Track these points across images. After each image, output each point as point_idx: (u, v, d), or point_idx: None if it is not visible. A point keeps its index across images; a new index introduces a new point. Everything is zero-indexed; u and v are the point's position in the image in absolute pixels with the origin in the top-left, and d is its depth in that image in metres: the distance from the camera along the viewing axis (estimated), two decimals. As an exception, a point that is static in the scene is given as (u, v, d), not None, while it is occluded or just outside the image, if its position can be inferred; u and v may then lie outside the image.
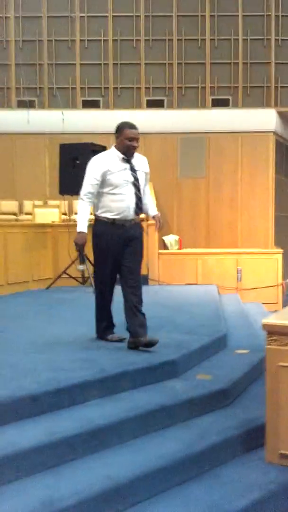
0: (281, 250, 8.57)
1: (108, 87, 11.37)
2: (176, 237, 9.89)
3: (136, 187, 3.80)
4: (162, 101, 11.33)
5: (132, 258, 3.85)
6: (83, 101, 11.45)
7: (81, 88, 11.42)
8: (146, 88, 11.35)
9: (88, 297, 6.34)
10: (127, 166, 3.79)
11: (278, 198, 11.48)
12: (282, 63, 11.22)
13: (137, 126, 3.81)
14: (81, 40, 11.32)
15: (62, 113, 10.62)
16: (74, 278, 7.57)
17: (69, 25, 11.33)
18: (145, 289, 7.78)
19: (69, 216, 10.40)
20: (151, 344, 3.71)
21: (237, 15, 11.20)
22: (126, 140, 3.74)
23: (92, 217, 3.98)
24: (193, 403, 3.27)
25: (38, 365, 3.42)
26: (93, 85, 11.44)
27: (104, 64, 11.39)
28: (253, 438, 3.09)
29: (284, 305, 8.40)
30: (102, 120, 10.49)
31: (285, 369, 2.88)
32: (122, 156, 3.78)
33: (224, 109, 11.23)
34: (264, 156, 11.11)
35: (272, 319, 3.06)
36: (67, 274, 7.47)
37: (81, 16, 11.25)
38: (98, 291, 4.05)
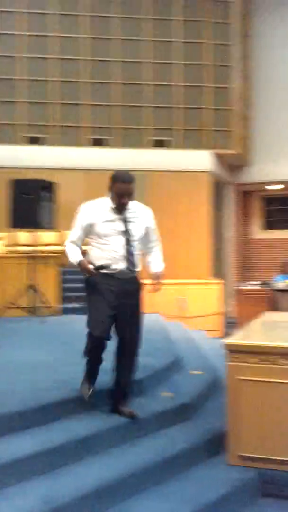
0: (221, 281, 9.20)
1: (55, 125, 11.83)
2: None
3: (126, 238, 3.56)
4: (106, 140, 11.92)
5: (128, 320, 3.59)
6: (30, 137, 11.80)
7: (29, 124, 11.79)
8: (91, 127, 11.91)
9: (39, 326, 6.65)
10: (119, 216, 3.58)
11: (214, 232, 12.24)
12: (218, 108, 12.14)
13: (131, 179, 3.65)
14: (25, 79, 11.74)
15: None
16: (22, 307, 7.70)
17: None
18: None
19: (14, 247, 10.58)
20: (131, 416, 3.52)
21: (176, 63, 12.08)
22: (116, 195, 3.56)
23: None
24: (160, 417, 3.69)
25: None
26: (38, 123, 11.85)
27: (49, 103, 11.86)
28: (215, 445, 3.54)
29: (225, 333, 9.02)
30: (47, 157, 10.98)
31: (244, 382, 3.37)
32: (113, 206, 3.59)
33: (164, 150, 11.92)
34: (201, 193, 11.86)
35: (232, 340, 3.56)
36: (15, 304, 7.59)
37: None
38: (90, 340, 3.51)
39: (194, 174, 11.80)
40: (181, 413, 3.84)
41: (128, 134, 12.03)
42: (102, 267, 3.49)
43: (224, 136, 12.21)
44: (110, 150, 11.77)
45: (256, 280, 9.80)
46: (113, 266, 3.50)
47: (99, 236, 3.55)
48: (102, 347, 3.50)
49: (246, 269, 14.90)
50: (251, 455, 3.34)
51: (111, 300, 3.46)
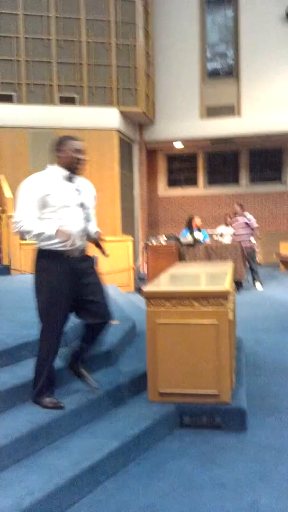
0: (131, 238, 9.50)
1: None
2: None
3: (84, 210, 3.33)
4: (11, 96, 11.57)
5: (97, 289, 3.42)
6: None
7: None
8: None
9: None
10: (72, 186, 3.30)
11: (122, 190, 12.48)
12: (123, 66, 12.17)
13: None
14: None
15: None
16: None
17: None
18: (9, 278, 8.16)
19: None
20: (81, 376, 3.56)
21: (80, 18, 11.85)
22: (72, 152, 3.26)
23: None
24: (86, 363, 3.92)
25: None
26: None
27: None
28: (137, 385, 3.86)
29: (135, 287, 9.40)
30: None
31: (161, 325, 3.68)
32: (66, 173, 3.29)
33: (71, 107, 11.83)
34: (110, 151, 11.98)
35: (150, 287, 3.85)
36: None
37: None
38: (46, 338, 3.32)
39: (102, 132, 11.87)
40: (104, 359, 4.11)
41: (35, 90, 11.77)
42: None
43: (130, 94, 12.31)
44: (16, 107, 11.48)
45: (164, 236, 10.22)
46: (72, 242, 3.19)
47: (55, 209, 3.19)
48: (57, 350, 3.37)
49: (154, 226, 15.39)
50: (169, 392, 3.69)
51: (69, 290, 3.25)
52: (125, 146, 13.09)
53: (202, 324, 3.67)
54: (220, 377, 3.65)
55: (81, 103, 11.93)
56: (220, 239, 10.97)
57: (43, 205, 3.18)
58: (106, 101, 12.06)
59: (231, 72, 14.04)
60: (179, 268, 5.48)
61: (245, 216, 10.62)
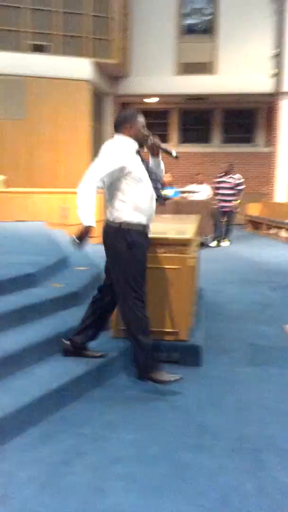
0: (102, 190, 9.58)
1: None
2: (3, 177, 10.29)
3: (153, 186, 3.34)
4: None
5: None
6: None
7: None
8: None
9: None
10: (140, 160, 3.28)
11: (94, 143, 12.48)
12: (98, 16, 11.97)
13: None
14: None
15: None
16: None
17: None
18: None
19: None
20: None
21: None
22: (142, 128, 3.30)
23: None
24: (53, 303, 4.17)
25: None
26: None
27: None
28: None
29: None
30: None
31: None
32: (137, 147, 3.27)
33: (42, 55, 11.65)
34: (81, 103, 11.92)
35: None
36: None
37: None
38: (142, 316, 3.33)
39: (74, 82, 11.77)
40: (71, 300, 4.36)
41: (5, 36, 11.53)
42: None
43: (104, 45, 12.18)
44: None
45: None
46: (151, 218, 3.28)
47: (137, 181, 3.18)
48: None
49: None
50: (132, 329, 3.97)
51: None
52: (98, 98, 13.02)
53: (166, 268, 3.93)
54: (180, 317, 3.95)
55: (54, 51, 11.75)
56: (191, 195, 11.15)
57: (117, 177, 3.15)
58: (79, 51, 11.91)
59: (208, 30, 13.96)
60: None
61: (232, 177, 10.79)
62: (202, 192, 11.49)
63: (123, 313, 3.38)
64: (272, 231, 12.53)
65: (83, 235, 3.16)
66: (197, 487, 2.44)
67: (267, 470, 2.59)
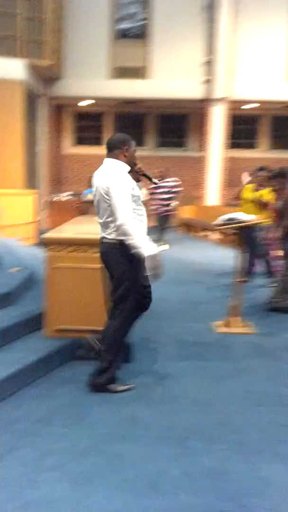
0: (36, 191, 9.55)
1: None
2: None
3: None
4: None
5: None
6: None
7: None
8: None
9: None
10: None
11: (27, 145, 12.37)
12: (31, 17, 11.89)
13: None
14: None
15: None
16: None
17: None
18: None
19: None
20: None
21: None
22: (132, 159, 3.49)
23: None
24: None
25: None
26: None
27: None
28: (35, 323, 4.17)
29: (37, 240, 9.55)
30: None
31: (58, 269, 4.00)
32: (129, 171, 3.45)
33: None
34: (14, 104, 11.77)
35: (49, 234, 4.13)
36: None
37: None
38: (126, 321, 3.55)
39: (6, 82, 11.60)
40: (4, 300, 4.36)
41: None
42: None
43: (38, 46, 12.12)
44: None
45: (67, 193, 10.39)
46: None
47: (136, 202, 3.35)
48: None
49: (58, 182, 15.41)
50: (64, 328, 4.05)
51: None
52: (30, 100, 12.91)
53: (95, 268, 4.02)
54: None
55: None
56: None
57: (131, 199, 3.30)
58: (12, 52, 11.77)
59: (142, 35, 14.19)
60: (78, 221, 5.79)
61: (168, 181, 10.99)
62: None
63: (112, 325, 3.49)
64: (203, 233, 12.91)
65: (156, 263, 3.33)
66: (126, 475, 2.56)
67: (193, 456, 2.74)
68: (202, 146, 14.53)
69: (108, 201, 3.30)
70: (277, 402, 3.43)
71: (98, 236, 4.09)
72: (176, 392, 3.52)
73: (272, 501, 2.39)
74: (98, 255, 3.97)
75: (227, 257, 8.11)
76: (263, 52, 13.45)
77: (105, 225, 3.41)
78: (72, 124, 16.14)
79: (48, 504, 2.32)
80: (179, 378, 3.76)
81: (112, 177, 3.30)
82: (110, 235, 3.38)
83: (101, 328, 3.99)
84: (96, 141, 16.02)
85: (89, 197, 10.31)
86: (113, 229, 3.35)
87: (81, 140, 16.18)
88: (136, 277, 3.40)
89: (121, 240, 3.32)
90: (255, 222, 4.97)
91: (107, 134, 15.99)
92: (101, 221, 3.45)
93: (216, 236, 12.08)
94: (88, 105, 15.17)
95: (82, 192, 10.43)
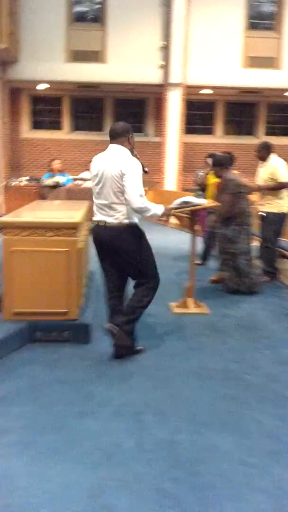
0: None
1: None
2: None
3: None
4: None
5: None
6: None
7: None
8: None
9: None
10: None
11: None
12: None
13: None
14: None
15: None
16: None
17: None
18: None
19: None
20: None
21: None
22: (134, 144, 3.89)
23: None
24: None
25: None
26: None
27: None
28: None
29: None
30: None
31: (17, 252, 4.05)
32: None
33: None
34: None
35: (4, 218, 4.16)
36: None
37: None
38: (154, 288, 3.98)
39: None
40: None
41: None
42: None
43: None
44: None
45: (26, 177, 10.33)
46: None
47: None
48: None
49: (16, 167, 15.20)
50: (23, 311, 4.11)
51: None
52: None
53: (54, 251, 4.10)
54: (69, 297, 4.15)
55: None
56: (83, 183, 11.24)
57: None
58: None
59: (98, 18, 14.06)
60: (36, 205, 5.81)
61: None
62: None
63: (138, 296, 3.89)
64: (163, 217, 13.04)
65: (167, 212, 4.14)
66: (83, 449, 2.68)
67: (146, 429, 2.88)
68: (160, 131, 14.61)
69: (120, 185, 3.61)
70: (225, 377, 3.62)
71: (54, 219, 4.18)
72: (131, 370, 3.66)
73: (220, 467, 2.55)
74: (57, 238, 4.06)
75: (184, 241, 8.28)
76: (218, 37, 13.54)
77: (111, 208, 3.70)
78: (29, 108, 15.91)
79: (6, 479, 2.41)
80: (134, 357, 3.88)
81: (126, 163, 3.62)
82: (117, 219, 3.69)
83: (60, 310, 4.10)
84: (54, 126, 15.87)
85: (49, 182, 10.32)
86: (120, 212, 3.68)
87: (39, 124, 15.98)
88: (149, 252, 3.87)
89: (128, 223, 3.71)
90: (207, 205, 5.12)
91: (65, 118, 15.87)
92: (105, 203, 3.71)
93: (175, 220, 12.25)
94: (46, 89, 14.97)
95: (42, 177, 10.41)
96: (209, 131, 16.06)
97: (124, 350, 3.84)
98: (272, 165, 6.14)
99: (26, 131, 15.87)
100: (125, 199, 3.61)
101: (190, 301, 5.14)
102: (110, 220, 3.71)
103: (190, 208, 4.88)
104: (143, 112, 16.02)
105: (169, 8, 13.27)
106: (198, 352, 4.06)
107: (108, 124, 15.86)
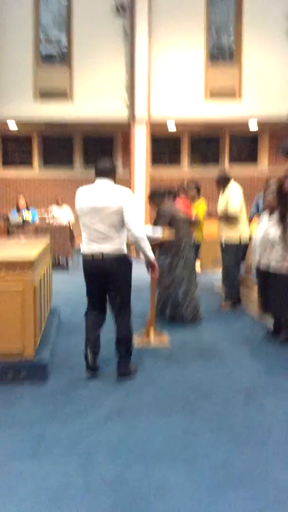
0: None
1: None
2: None
3: None
4: None
5: None
6: None
7: None
8: None
9: None
10: None
11: None
12: None
13: None
14: None
15: None
16: None
17: None
18: None
19: None
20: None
21: None
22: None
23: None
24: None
25: None
26: None
27: None
28: None
29: None
30: None
31: None
32: None
33: None
34: None
35: None
36: None
37: None
38: (129, 312, 4.23)
39: None
40: None
41: None
42: None
43: None
44: None
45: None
46: None
47: None
48: None
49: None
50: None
51: None
52: None
53: (8, 291, 4.10)
54: (25, 337, 4.13)
55: None
56: (49, 220, 11.22)
57: None
58: None
59: (64, 58, 14.36)
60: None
61: None
62: (63, 215, 11.82)
63: (125, 323, 4.16)
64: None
65: (153, 263, 4.27)
66: (29, 490, 2.63)
67: (96, 468, 2.86)
68: (128, 165, 14.81)
69: (118, 217, 3.90)
70: (180, 408, 3.62)
71: (9, 257, 4.20)
72: (84, 410, 3.61)
73: (168, 503, 2.53)
74: (11, 277, 4.07)
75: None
76: (180, 72, 13.94)
77: (108, 240, 3.97)
78: (0, 146, 16.03)
79: None
80: (89, 397, 3.85)
81: (126, 197, 3.94)
82: (113, 249, 3.97)
83: (15, 350, 4.09)
84: (25, 164, 15.99)
85: (17, 219, 10.33)
86: (116, 243, 3.97)
87: (9, 163, 16.07)
88: (130, 283, 4.14)
89: (124, 254, 4.04)
90: (163, 239, 5.20)
91: (36, 156, 16.01)
92: (100, 235, 3.96)
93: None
94: (15, 129, 15.12)
95: (11, 213, 10.44)
96: (176, 163, 16.34)
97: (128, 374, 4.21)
98: (228, 194, 6.28)
99: (-3, 169, 15.96)
100: (128, 229, 3.93)
101: (150, 332, 5.16)
102: (107, 250, 3.97)
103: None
104: (111, 148, 16.26)
105: (132, 46, 13.64)
106: (155, 384, 4.06)
107: (77, 161, 16.05)
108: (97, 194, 3.97)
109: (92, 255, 3.99)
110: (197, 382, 4.13)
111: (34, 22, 13.96)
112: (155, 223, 5.76)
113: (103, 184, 4.03)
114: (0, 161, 16.03)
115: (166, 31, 13.70)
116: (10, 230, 9.83)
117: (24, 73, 13.87)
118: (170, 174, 15.80)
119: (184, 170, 16.07)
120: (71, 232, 10.46)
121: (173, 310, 5.80)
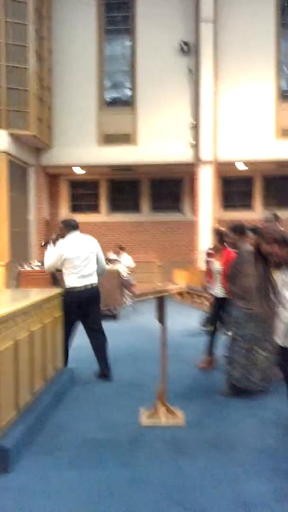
0: (4, 262, 9.14)
1: None
2: None
3: None
4: None
5: None
6: None
7: None
8: None
9: None
10: None
11: (12, 215, 12.13)
12: (12, 88, 11.99)
13: None
14: None
15: None
16: None
17: None
18: None
19: None
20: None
21: None
22: None
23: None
24: None
25: None
26: None
27: None
28: None
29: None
30: None
31: None
32: None
33: None
34: (-2, 173, 11.67)
35: None
36: None
37: None
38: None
39: (-11, 153, 11.55)
40: None
41: None
42: None
43: (20, 116, 12.11)
44: None
45: (37, 261, 9.93)
46: None
47: None
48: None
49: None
50: None
51: None
52: (17, 170, 12.81)
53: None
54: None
55: None
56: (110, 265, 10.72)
57: None
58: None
59: (128, 101, 14.16)
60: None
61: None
62: (123, 260, 11.36)
63: (103, 341, 5.52)
64: (198, 299, 12.13)
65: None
66: None
67: None
68: (194, 209, 14.09)
69: (95, 258, 5.45)
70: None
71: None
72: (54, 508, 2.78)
73: None
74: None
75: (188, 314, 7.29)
76: (249, 110, 13.18)
77: (93, 275, 5.43)
78: (68, 191, 15.98)
79: None
80: (58, 495, 3.00)
81: (96, 243, 5.56)
82: (95, 280, 5.45)
83: None
84: (93, 208, 15.79)
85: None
86: (95, 276, 5.47)
87: (78, 208, 15.94)
88: None
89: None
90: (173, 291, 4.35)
91: (103, 200, 15.77)
92: (90, 272, 5.39)
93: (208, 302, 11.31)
94: (82, 173, 15.03)
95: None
96: (248, 206, 15.36)
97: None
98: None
99: (65, 214, 15.84)
100: (101, 264, 5.54)
101: (161, 408, 4.21)
102: (94, 282, 5.42)
103: (156, 295, 4.13)
104: (179, 191, 15.64)
105: (197, 86, 13.14)
106: (144, 485, 3.12)
107: (144, 205, 15.58)
108: (82, 243, 5.42)
109: (85, 286, 5.33)
110: (194, 488, 3.13)
111: (98, 66, 13.94)
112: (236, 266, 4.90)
113: (80, 236, 5.48)
114: (69, 206, 15.94)
115: (233, 68, 13.11)
116: (55, 276, 9.32)
117: (88, 118, 13.83)
118: (243, 217, 14.83)
119: (257, 214, 15.04)
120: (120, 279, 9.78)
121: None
